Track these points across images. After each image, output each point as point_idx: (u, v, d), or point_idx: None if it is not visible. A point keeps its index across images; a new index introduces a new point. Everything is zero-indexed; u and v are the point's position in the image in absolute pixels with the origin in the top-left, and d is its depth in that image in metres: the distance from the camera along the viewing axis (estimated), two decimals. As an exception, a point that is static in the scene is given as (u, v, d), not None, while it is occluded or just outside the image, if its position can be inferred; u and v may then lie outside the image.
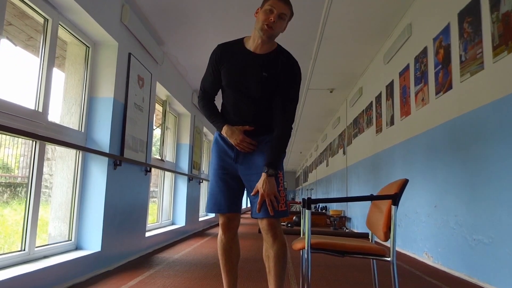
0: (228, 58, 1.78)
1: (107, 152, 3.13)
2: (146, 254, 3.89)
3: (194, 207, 6.44)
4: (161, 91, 5.00)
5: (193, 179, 6.27)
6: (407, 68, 4.17)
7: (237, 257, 1.89)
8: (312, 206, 1.75)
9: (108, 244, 3.12)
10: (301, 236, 2.05)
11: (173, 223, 5.74)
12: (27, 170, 2.57)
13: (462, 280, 2.83)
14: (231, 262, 1.87)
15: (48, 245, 2.69)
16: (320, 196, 11.99)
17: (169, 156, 5.79)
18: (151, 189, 4.89)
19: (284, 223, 7.50)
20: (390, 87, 4.76)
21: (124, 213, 3.48)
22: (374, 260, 1.93)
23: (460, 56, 3.01)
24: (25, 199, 2.43)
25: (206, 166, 8.26)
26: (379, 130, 5.28)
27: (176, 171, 5.67)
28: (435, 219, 3.42)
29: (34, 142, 2.46)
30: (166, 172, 5.59)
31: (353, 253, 1.65)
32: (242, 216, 2.01)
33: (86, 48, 3.23)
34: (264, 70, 1.73)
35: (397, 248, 4.30)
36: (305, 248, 1.66)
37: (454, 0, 3.13)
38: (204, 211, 7.83)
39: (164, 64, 4.87)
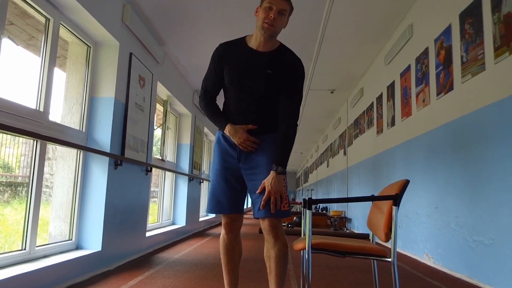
0: (231, 56, 1.78)
1: (108, 151, 3.13)
2: (146, 254, 3.89)
3: (194, 207, 6.44)
4: (162, 91, 5.00)
5: (194, 179, 6.27)
6: (408, 69, 4.16)
7: (239, 257, 1.89)
8: (313, 206, 1.74)
9: (109, 243, 3.12)
10: (302, 236, 2.05)
11: (173, 223, 5.74)
12: (28, 169, 2.58)
13: (462, 281, 2.82)
14: (233, 262, 1.87)
15: (48, 244, 2.69)
16: (321, 196, 11.99)
17: (169, 156, 5.79)
18: (152, 189, 4.89)
19: (284, 224, 7.51)
20: (391, 88, 4.76)
21: (125, 213, 3.48)
22: (375, 261, 1.93)
23: (462, 57, 3.01)
24: (25, 199, 2.43)
25: (207, 166, 8.26)
26: (380, 131, 5.28)
27: (176, 171, 5.68)
28: (436, 220, 3.42)
29: (35, 142, 2.46)
30: (167, 172, 5.59)
31: (353, 253, 1.65)
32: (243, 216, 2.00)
33: (87, 48, 3.23)
34: (268, 68, 1.73)
35: (398, 249, 4.30)
36: (305, 249, 1.66)
37: (455, 1, 3.13)
38: (204, 211, 7.83)
39: (165, 64, 4.88)
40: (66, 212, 2.97)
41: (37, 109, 2.51)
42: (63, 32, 2.92)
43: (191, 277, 2.80)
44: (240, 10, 3.91)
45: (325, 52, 5.01)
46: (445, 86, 3.27)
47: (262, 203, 1.67)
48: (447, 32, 3.26)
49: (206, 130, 7.73)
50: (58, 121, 2.95)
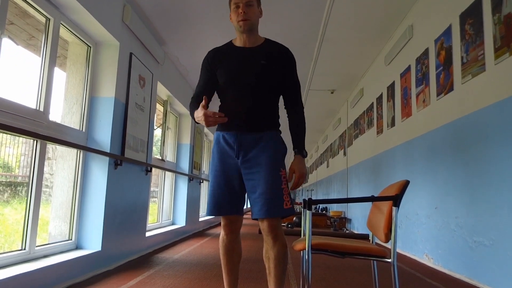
0: (221, 58, 1.82)
1: (108, 151, 3.13)
2: (146, 254, 3.89)
3: (194, 207, 6.44)
4: (162, 91, 5.00)
5: (194, 179, 6.27)
6: (408, 69, 4.17)
7: (238, 257, 1.88)
8: (313, 207, 1.74)
9: (108, 243, 3.12)
10: (302, 237, 2.05)
11: (173, 223, 5.74)
12: (28, 169, 2.57)
13: (462, 282, 2.82)
14: (233, 262, 1.86)
15: (48, 244, 2.69)
16: (321, 197, 11.99)
17: (169, 156, 5.79)
18: (152, 189, 4.89)
19: (284, 224, 7.51)
20: (391, 88, 4.76)
21: (125, 213, 3.48)
22: (375, 261, 1.93)
23: (462, 57, 3.01)
24: (25, 198, 2.43)
25: (207, 166, 8.26)
26: (380, 131, 5.28)
27: (176, 171, 5.68)
28: (436, 220, 3.42)
29: (35, 142, 2.46)
30: (167, 172, 5.59)
31: (353, 254, 1.65)
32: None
33: (88, 48, 3.23)
34: (261, 59, 1.77)
35: (398, 250, 4.29)
36: (305, 249, 1.66)
37: (456, 2, 3.13)
38: (204, 212, 7.83)
39: (165, 64, 4.88)
40: (66, 212, 2.97)
41: (37, 108, 2.51)
42: (63, 32, 2.92)
43: (191, 277, 2.80)
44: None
45: (325, 52, 5.01)
46: (445, 87, 3.28)
47: (292, 186, 1.77)
48: (448, 32, 3.26)
49: (206, 130, 7.73)
50: (58, 121, 2.95)
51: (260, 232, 5.76)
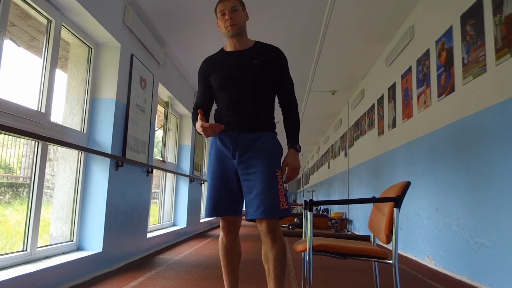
0: (214, 64, 1.87)
1: (109, 153, 3.14)
2: (147, 255, 3.88)
3: (195, 209, 6.44)
4: (163, 92, 5.01)
5: (195, 180, 6.27)
6: (409, 70, 4.16)
7: (238, 258, 1.89)
8: (314, 208, 1.74)
9: (110, 245, 3.13)
10: (303, 238, 2.05)
11: (174, 224, 5.74)
12: (29, 170, 2.58)
13: (464, 283, 2.82)
14: (233, 263, 1.87)
15: (49, 245, 2.69)
16: (322, 198, 11.97)
17: (170, 158, 5.79)
18: (153, 190, 4.89)
19: (285, 225, 7.50)
20: (392, 89, 4.76)
21: (126, 214, 3.48)
22: (376, 263, 1.93)
23: (463, 58, 3.01)
24: (27, 200, 2.43)
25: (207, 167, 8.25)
26: (381, 132, 5.27)
27: (177, 173, 5.68)
28: (437, 222, 3.41)
29: (37, 143, 2.47)
30: (168, 174, 5.59)
31: (355, 255, 1.65)
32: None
33: (89, 49, 3.24)
34: (253, 59, 1.81)
35: (399, 251, 4.29)
36: (307, 250, 1.65)
37: (457, 3, 3.13)
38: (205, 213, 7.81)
39: (166, 65, 4.89)
40: (67, 213, 2.98)
41: (39, 110, 2.52)
42: (65, 34, 2.93)
43: (192, 279, 2.80)
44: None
45: (326, 53, 5.01)
46: (446, 88, 3.27)
47: (286, 179, 1.80)
48: (449, 33, 3.26)
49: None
50: (60, 122, 2.96)
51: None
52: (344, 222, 7.50)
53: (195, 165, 6.39)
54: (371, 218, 1.97)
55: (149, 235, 4.21)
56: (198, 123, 1.73)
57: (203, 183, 7.20)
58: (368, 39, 4.69)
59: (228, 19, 1.77)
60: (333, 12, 3.90)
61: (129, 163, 3.51)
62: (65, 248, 2.83)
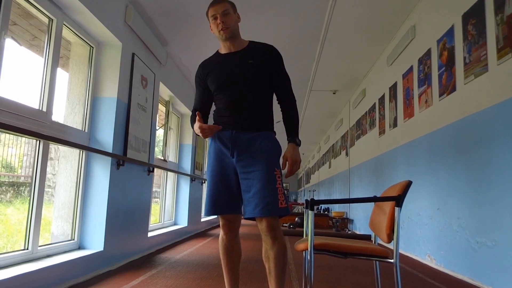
0: (211, 67, 1.89)
1: (110, 152, 3.14)
2: (148, 254, 3.89)
3: (196, 208, 6.44)
4: (164, 92, 5.01)
5: (196, 179, 6.27)
6: (410, 70, 4.16)
7: (238, 257, 1.89)
8: (315, 207, 1.74)
9: (111, 243, 3.13)
10: (304, 237, 2.05)
11: (175, 224, 5.74)
12: (30, 169, 2.58)
13: (464, 283, 2.81)
14: (233, 262, 1.88)
15: (51, 244, 2.70)
16: (323, 197, 11.97)
17: (171, 157, 5.79)
18: (154, 189, 4.90)
19: (286, 224, 7.50)
20: (393, 89, 4.76)
21: (127, 213, 3.49)
22: (377, 262, 1.93)
23: (464, 58, 3.00)
24: (28, 198, 2.44)
25: (209, 166, 8.25)
26: (382, 132, 5.27)
27: (178, 172, 5.68)
28: (438, 221, 3.41)
29: (38, 142, 2.47)
30: (169, 173, 5.59)
31: (356, 254, 1.65)
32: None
33: (90, 48, 3.24)
34: (248, 59, 1.82)
35: (400, 250, 4.29)
36: (308, 249, 1.65)
37: (458, 2, 3.12)
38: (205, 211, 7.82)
39: (168, 64, 4.89)
40: (69, 212, 2.98)
41: (40, 109, 2.52)
42: (66, 33, 2.93)
43: (193, 278, 2.80)
44: (242, 12, 3.90)
45: (328, 53, 5.01)
46: (448, 87, 3.27)
47: (287, 174, 1.79)
48: (450, 33, 3.26)
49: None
50: (61, 121, 2.96)
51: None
52: (345, 221, 7.50)
53: (196, 164, 6.39)
54: (372, 217, 1.97)
55: (150, 234, 4.21)
56: (196, 124, 1.75)
57: (204, 182, 7.20)
58: (369, 39, 4.69)
59: (220, 23, 1.78)
60: (334, 11, 3.89)
61: (130, 162, 3.51)
62: (66, 247, 2.83)
